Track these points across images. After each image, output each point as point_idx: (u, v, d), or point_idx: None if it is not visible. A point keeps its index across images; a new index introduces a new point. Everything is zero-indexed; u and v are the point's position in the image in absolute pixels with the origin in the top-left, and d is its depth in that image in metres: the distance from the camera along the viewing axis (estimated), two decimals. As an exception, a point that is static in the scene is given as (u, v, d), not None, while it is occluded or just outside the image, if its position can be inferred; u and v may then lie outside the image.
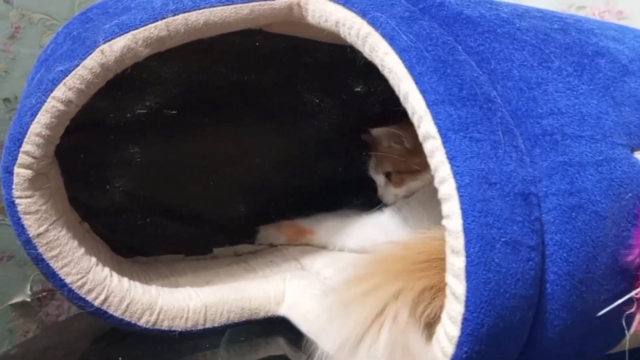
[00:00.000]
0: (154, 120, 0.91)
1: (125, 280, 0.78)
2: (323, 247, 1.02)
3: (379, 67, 0.63)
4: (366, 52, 0.65)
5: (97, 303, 0.74)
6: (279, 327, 0.87)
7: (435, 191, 0.94)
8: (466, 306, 0.54)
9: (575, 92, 0.63)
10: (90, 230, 0.86)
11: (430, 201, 0.95)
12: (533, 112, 0.60)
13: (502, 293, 0.54)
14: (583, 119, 0.61)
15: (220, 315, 0.83)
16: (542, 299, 0.57)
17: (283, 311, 0.87)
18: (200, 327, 0.82)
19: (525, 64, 0.64)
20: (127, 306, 0.76)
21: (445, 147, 0.55)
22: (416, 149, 0.93)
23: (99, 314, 0.75)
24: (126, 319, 0.77)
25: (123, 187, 0.93)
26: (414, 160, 0.95)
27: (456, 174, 0.54)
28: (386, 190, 1.01)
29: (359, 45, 0.66)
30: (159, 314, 0.79)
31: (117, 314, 0.76)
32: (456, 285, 0.55)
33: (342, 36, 0.69)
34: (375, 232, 0.97)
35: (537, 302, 0.57)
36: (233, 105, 0.98)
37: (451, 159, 0.55)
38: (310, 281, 0.90)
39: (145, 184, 0.94)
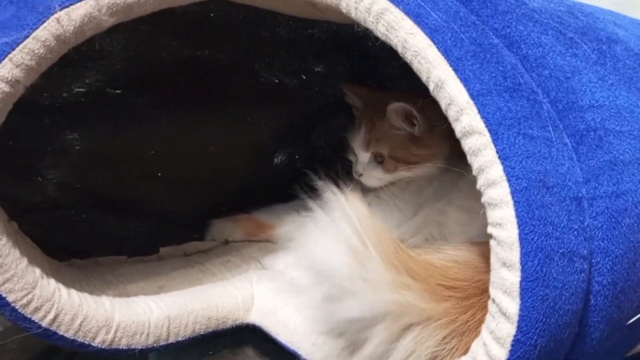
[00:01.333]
0: (96, 101, 0.77)
1: (74, 293, 0.65)
2: (284, 243, 0.91)
3: (399, 49, 0.54)
4: (380, 30, 0.56)
5: (45, 323, 0.61)
6: (248, 336, 0.77)
7: (406, 186, 0.90)
8: (518, 326, 0.47)
9: (605, 83, 0.58)
10: (19, 230, 0.71)
11: (402, 197, 0.89)
12: (574, 105, 0.54)
13: (557, 310, 0.48)
14: (619, 112, 0.56)
15: (185, 327, 0.72)
16: (585, 312, 0.52)
17: (253, 319, 0.77)
18: (162, 342, 0.70)
19: (555, 50, 0.57)
20: (80, 325, 0.64)
21: (496, 145, 0.48)
22: (423, 138, 0.85)
23: (47, 335, 0.62)
24: (79, 340, 0.64)
25: (57, 179, 0.78)
26: (415, 150, 0.86)
27: (511, 176, 0.47)
28: (371, 172, 0.90)
29: (369, 22, 0.57)
30: (116, 331, 0.66)
31: (69, 334, 0.63)
32: (507, 302, 0.48)
33: (344, 11, 0.59)
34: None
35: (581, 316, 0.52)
36: (185, 86, 0.85)
37: (504, 159, 0.47)
38: (281, 284, 0.81)
39: (83, 175, 0.80)
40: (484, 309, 0.52)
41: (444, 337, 0.55)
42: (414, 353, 0.55)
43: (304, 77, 0.97)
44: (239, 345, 0.76)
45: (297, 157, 1.01)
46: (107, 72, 0.77)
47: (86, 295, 0.67)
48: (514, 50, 0.55)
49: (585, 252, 0.49)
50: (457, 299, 0.55)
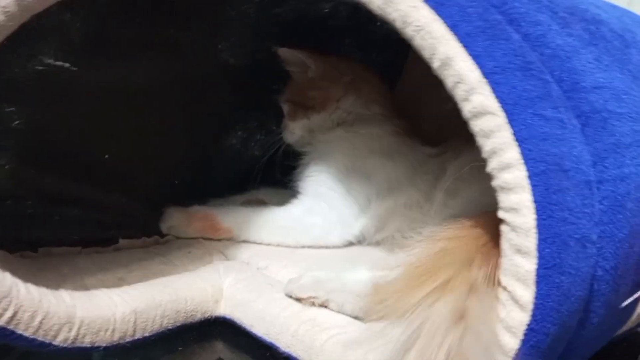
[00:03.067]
0: (45, 76, 0.69)
1: (32, 288, 0.58)
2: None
3: (398, 24, 0.50)
4: (376, 3, 0.52)
5: (2, 322, 0.54)
6: (216, 329, 0.72)
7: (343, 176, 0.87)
8: (533, 315, 0.45)
9: (601, 64, 0.56)
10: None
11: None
12: (578, 86, 0.51)
13: (569, 297, 0.46)
14: (617, 94, 0.54)
15: (153, 322, 0.66)
16: (588, 298, 0.50)
17: (223, 311, 0.72)
18: (129, 338, 0.64)
19: (552, 29, 0.55)
20: (41, 322, 0.57)
21: (512, 127, 0.45)
22: (316, 82, 0.87)
23: (3, 335, 0.55)
24: (39, 339, 0.57)
25: (7, 164, 0.69)
26: (309, 93, 0.88)
27: (528, 159, 0.44)
28: (285, 124, 0.92)
29: (363, -4, 0.53)
30: (79, 328, 0.60)
31: (28, 332, 0.56)
32: (521, 290, 0.45)
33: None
34: (290, 224, 0.85)
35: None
36: (143, 65, 0.78)
37: (521, 141, 0.44)
38: (250, 274, 0.76)
39: (31, 159, 0.71)
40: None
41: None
42: None
43: (258, 56, 0.91)
44: (208, 339, 0.71)
45: (252, 143, 0.96)
46: (63, 47, 0.69)
47: (44, 289, 0.60)
48: (515, 28, 0.52)
49: (595, 237, 0.48)
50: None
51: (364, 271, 0.67)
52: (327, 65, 0.90)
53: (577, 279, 0.46)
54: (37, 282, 0.61)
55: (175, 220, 0.85)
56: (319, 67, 0.90)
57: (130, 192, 0.83)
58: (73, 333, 0.59)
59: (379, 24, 1.05)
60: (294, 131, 0.93)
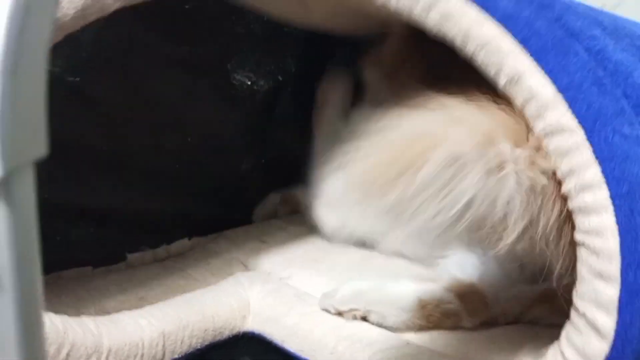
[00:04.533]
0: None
1: (54, 317, 0.53)
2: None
3: (458, 41, 0.48)
4: (431, 21, 0.49)
5: None
6: (243, 345, 0.68)
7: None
8: (613, 344, 0.43)
9: (656, 78, 0.54)
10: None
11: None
12: (642, 101, 0.49)
13: (649, 324, 0.44)
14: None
15: (182, 343, 0.62)
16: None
17: (251, 326, 0.68)
18: (157, 363, 0.60)
19: (608, 44, 0.52)
20: (67, 355, 0.52)
21: (592, 145, 0.42)
22: None
23: (29, 372, 0.50)
24: (66, 373, 0.53)
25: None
26: None
27: (611, 179, 0.42)
28: None
29: (415, 13, 0.50)
30: (107, 356, 0.56)
31: (55, 367, 0.52)
32: (601, 318, 0.43)
33: (379, 2, 0.52)
34: None
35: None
36: (153, 83, 0.74)
37: (602, 160, 0.42)
38: (277, 286, 0.72)
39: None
40: None
41: None
42: None
43: (280, 78, 0.88)
44: (237, 356, 0.67)
45: (263, 160, 0.93)
46: (69, 60, 0.66)
47: (67, 318, 0.56)
48: (578, 42, 0.50)
49: (671, 260, 0.45)
50: None
51: (407, 282, 0.64)
52: None
53: (656, 304, 0.44)
54: (56, 310, 0.56)
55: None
56: None
57: (137, 206, 0.78)
58: (101, 362, 0.55)
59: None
60: None
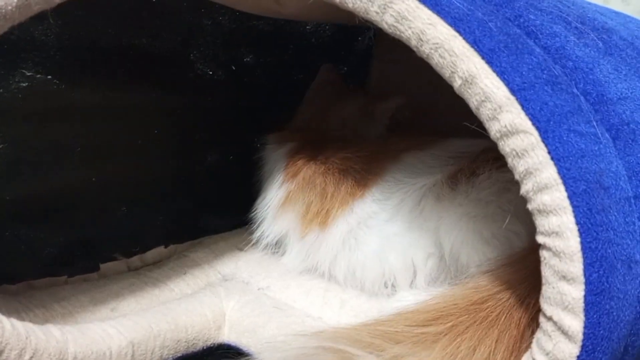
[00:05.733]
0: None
1: (17, 323, 0.53)
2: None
3: (413, 42, 0.47)
4: (387, 22, 0.49)
5: (-13, 363, 0.49)
6: (218, 357, 0.67)
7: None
8: (583, 346, 0.42)
9: (621, 74, 0.53)
10: None
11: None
12: (604, 98, 0.48)
13: (619, 323, 0.43)
14: (640, 104, 0.52)
15: (152, 353, 0.61)
16: (634, 321, 0.47)
17: (227, 337, 0.67)
18: (127, 373, 0.59)
19: (570, 40, 0.52)
20: (30, 360, 0.52)
21: (547, 145, 0.41)
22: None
23: (-10, 376, 0.50)
24: (29, 380, 0.52)
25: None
26: None
27: (567, 178, 0.41)
28: None
29: (371, 13, 0.49)
30: (73, 364, 0.55)
31: (16, 373, 0.51)
32: (568, 320, 0.42)
33: (338, 1, 0.52)
34: None
35: (630, 325, 0.47)
36: (121, 77, 0.74)
37: (558, 159, 0.41)
38: (255, 297, 0.71)
39: (4, 182, 0.67)
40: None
41: None
42: None
43: (233, 68, 0.87)
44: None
45: (231, 157, 0.92)
46: (45, 63, 0.65)
47: (30, 325, 0.54)
48: (534, 41, 0.50)
49: (638, 256, 0.44)
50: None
51: (404, 293, 0.63)
52: None
53: (625, 303, 0.43)
54: (22, 318, 0.56)
55: None
56: None
57: (107, 211, 0.78)
58: (66, 370, 0.54)
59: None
60: None
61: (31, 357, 0.52)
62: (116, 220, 0.79)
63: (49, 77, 0.64)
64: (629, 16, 0.68)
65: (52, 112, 0.67)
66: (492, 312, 0.49)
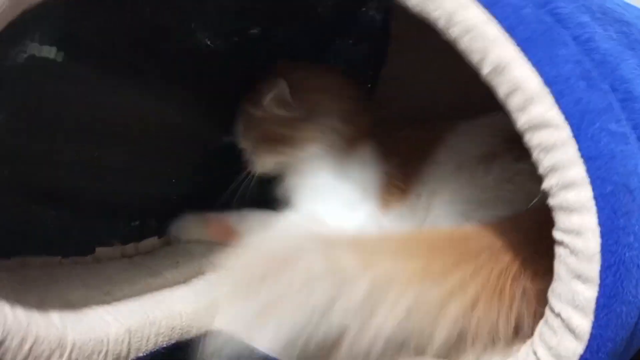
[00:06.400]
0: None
1: (19, 311, 0.51)
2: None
3: (442, 23, 0.46)
4: (412, 1, 0.47)
5: (-12, 351, 0.47)
6: (213, 344, 0.66)
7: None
8: (588, 346, 0.42)
9: (644, 70, 0.53)
10: None
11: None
12: (631, 95, 0.48)
13: (625, 326, 0.43)
14: (664, 104, 0.51)
15: (148, 340, 0.60)
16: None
17: (219, 325, 0.66)
18: (122, 360, 0.58)
19: (597, 32, 0.51)
20: (30, 349, 0.50)
21: (578, 142, 0.41)
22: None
23: (-9, 363, 0.48)
24: (27, 367, 0.50)
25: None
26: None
27: (595, 178, 0.41)
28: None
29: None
30: (71, 352, 0.54)
31: (17, 360, 0.49)
32: (577, 319, 0.42)
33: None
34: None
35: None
36: (131, 55, 0.70)
37: (588, 158, 0.41)
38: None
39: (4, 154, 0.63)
40: None
41: None
42: None
43: (236, 39, 0.84)
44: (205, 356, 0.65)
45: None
46: (52, 35, 0.61)
47: (31, 312, 0.53)
48: (566, 30, 0.48)
49: (651, 260, 0.44)
50: None
51: None
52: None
53: (633, 307, 0.43)
54: (20, 299, 0.54)
55: (192, 225, 0.81)
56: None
57: (108, 193, 0.75)
58: (65, 359, 0.53)
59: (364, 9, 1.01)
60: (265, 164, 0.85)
61: (31, 346, 0.51)
62: (114, 205, 0.77)
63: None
64: (638, 7, 0.67)
65: (52, 88, 0.65)
66: (475, 251, 0.52)
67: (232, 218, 0.80)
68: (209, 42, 0.83)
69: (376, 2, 0.98)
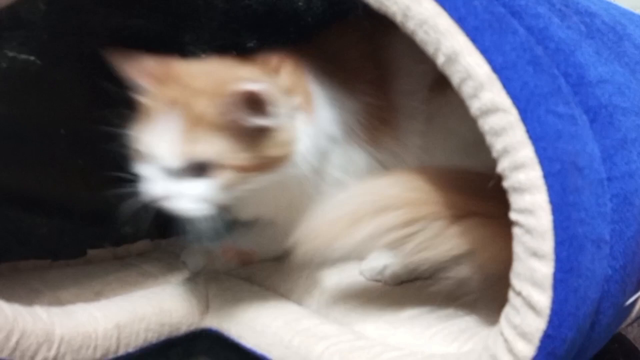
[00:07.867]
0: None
1: (4, 305, 0.53)
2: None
3: (398, 17, 0.48)
4: (371, -1, 0.49)
5: (-26, 345, 0.50)
6: (202, 342, 0.68)
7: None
8: (550, 321, 0.43)
9: (602, 57, 0.55)
10: None
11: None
12: (584, 80, 0.50)
13: (585, 300, 0.45)
14: (620, 88, 0.53)
15: (137, 336, 0.62)
16: (600, 299, 0.49)
17: (209, 322, 0.68)
18: (111, 355, 0.60)
19: (553, 22, 0.53)
20: (17, 343, 0.52)
21: (525, 124, 0.43)
22: None
23: (-23, 360, 0.50)
24: (16, 360, 0.52)
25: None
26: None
27: (543, 158, 0.42)
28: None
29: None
30: (59, 346, 0.56)
31: (4, 354, 0.51)
32: (537, 295, 0.43)
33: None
34: None
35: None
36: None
37: (535, 139, 0.42)
38: (235, 283, 0.72)
39: None
40: None
41: None
42: None
43: (235, 53, 0.86)
44: (194, 354, 0.67)
45: None
46: (30, 43, 0.64)
47: (17, 307, 0.55)
48: (518, 21, 0.50)
49: (607, 236, 0.46)
50: None
51: None
52: None
53: (592, 282, 0.44)
54: (7, 296, 0.56)
55: (210, 258, 0.78)
56: None
57: (96, 198, 0.77)
58: (52, 352, 0.55)
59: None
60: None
61: (18, 340, 0.53)
62: (106, 208, 0.78)
63: (31, 57, 0.64)
64: (611, 2, 0.69)
65: (35, 93, 0.67)
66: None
67: (239, 241, 0.78)
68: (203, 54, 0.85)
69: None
